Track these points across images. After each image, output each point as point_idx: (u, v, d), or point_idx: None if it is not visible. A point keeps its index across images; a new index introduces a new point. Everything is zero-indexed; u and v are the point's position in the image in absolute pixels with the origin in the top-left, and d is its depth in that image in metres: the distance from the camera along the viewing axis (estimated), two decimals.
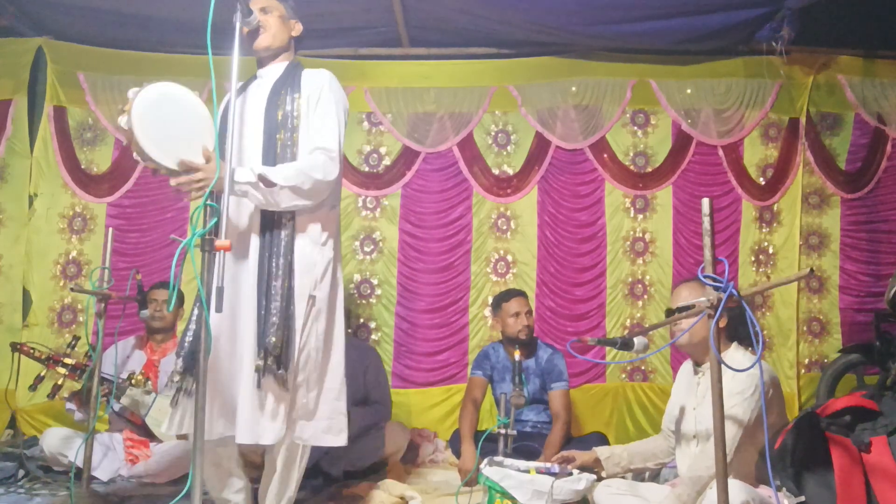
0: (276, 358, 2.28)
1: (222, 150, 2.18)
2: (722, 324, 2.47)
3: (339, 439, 2.44)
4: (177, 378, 2.32)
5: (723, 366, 1.91)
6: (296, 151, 2.39)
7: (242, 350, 2.33)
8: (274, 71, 2.52)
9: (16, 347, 3.25)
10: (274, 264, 2.34)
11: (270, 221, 2.38)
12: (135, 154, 2.16)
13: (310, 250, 2.41)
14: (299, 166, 2.34)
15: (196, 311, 2.32)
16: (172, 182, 2.17)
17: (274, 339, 2.28)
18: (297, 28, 2.61)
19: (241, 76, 2.21)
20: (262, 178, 2.25)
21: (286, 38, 2.55)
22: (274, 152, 2.39)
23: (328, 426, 2.41)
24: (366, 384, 3.77)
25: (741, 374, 2.34)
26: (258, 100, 2.46)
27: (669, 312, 2.56)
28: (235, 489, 2.48)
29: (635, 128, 4.61)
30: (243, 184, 2.22)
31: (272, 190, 2.26)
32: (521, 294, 3.82)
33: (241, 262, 2.37)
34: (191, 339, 2.32)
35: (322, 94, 2.44)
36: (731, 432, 2.31)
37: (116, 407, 3.40)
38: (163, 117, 2.14)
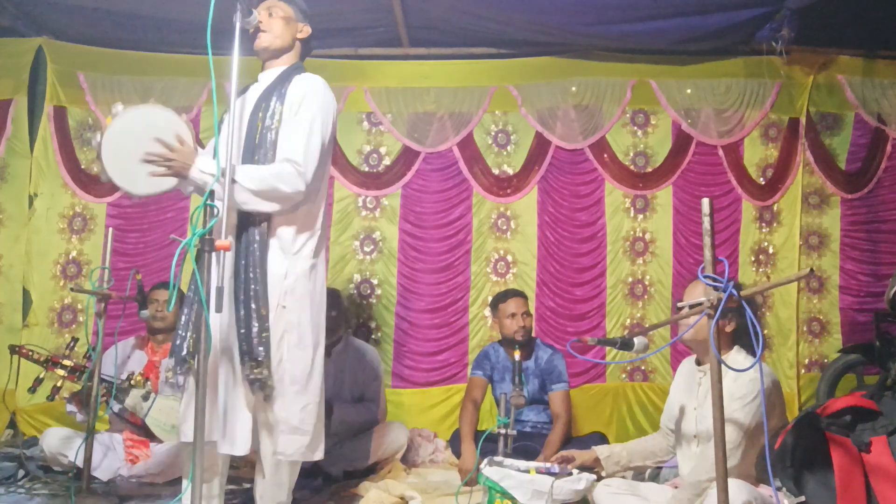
0: (266, 368, 2.27)
1: (221, 155, 2.19)
2: (729, 329, 2.48)
3: (318, 454, 2.43)
4: (176, 380, 2.30)
5: (723, 367, 1.92)
6: (274, 158, 2.36)
7: (224, 355, 2.32)
8: (270, 76, 2.50)
9: (14, 350, 3.24)
10: (250, 272, 2.30)
11: (246, 225, 2.33)
12: (99, 173, 2.18)
13: (279, 260, 2.37)
14: (264, 173, 2.30)
15: (185, 314, 2.31)
16: (143, 156, 2.19)
17: (261, 348, 2.26)
18: (305, 31, 2.57)
19: (242, 76, 2.21)
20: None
21: (289, 40, 2.52)
22: (252, 158, 2.36)
23: (309, 441, 2.38)
24: (364, 383, 3.77)
25: (743, 378, 2.35)
26: (250, 107, 2.45)
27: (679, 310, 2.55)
28: (215, 493, 2.45)
29: (635, 128, 4.61)
30: (207, 174, 2.20)
31: (233, 187, 2.22)
32: (518, 295, 3.81)
33: (219, 267, 2.34)
34: (180, 342, 2.30)
35: (303, 103, 2.39)
36: (733, 437, 2.30)
37: (116, 408, 3.40)
38: (134, 142, 2.17)
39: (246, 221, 2.34)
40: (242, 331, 2.28)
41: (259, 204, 2.29)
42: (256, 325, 2.27)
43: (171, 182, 2.26)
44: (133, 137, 2.18)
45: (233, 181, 2.22)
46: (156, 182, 2.22)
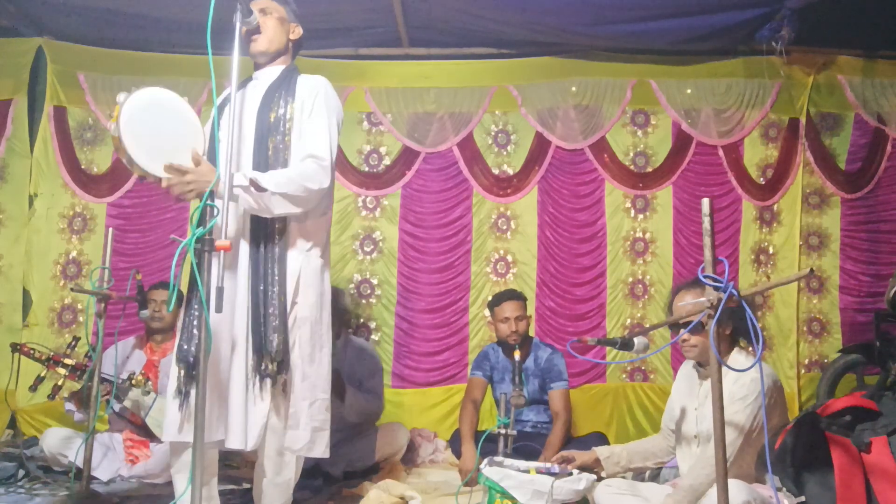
0: (279, 363, 2.28)
1: (219, 150, 2.19)
2: (727, 331, 2.47)
3: (325, 452, 2.43)
4: (181, 383, 2.29)
5: (724, 368, 1.92)
6: (287, 156, 2.38)
7: (237, 353, 2.33)
8: (270, 74, 2.51)
9: (16, 348, 3.24)
10: (269, 270, 2.33)
11: (261, 226, 2.36)
12: (124, 161, 2.16)
13: (294, 256, 2.40)
14: (291, 174, 2.31)
15: (195, 313, 2.31)
16: (164, 184, 2.17)
17: (276, 345, 2.28)
18: (297, 31, 2.59)
19: (242, 76, 2.22)
20: (253, 183, 2.23)
21: (283, 41, 2.53)
22: (265, 156, 2.37)
23: (315, 438, 2.39)
24: (361, 378, 3.77)
25: (743, 379, 2.35)
26: (253, 102, 2.44)
27: (673, 324, 2.55)
28: (213, 494, 2.44)
29: (635, 128, 4.61)
30: (235, 187, 2.21)
31: (263, 195, 2.25)
32: (514, 298, 3.76)
33: (231, 267, 2.34)
34: (187, 341, 2.30)
35: (316, 101, 2.42)
36: (732, 437, 2.30)
37: (117, 407, 3.40)
38: (151, 124, 2.15)
39: (260, 222, 2.36)
40: (259, 326, 2.30)
41: (289, 207, 2.30)
42: (274, 320, 2.29)
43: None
44: (149, 119, 2.15)
45: (262, 189, 2.23)
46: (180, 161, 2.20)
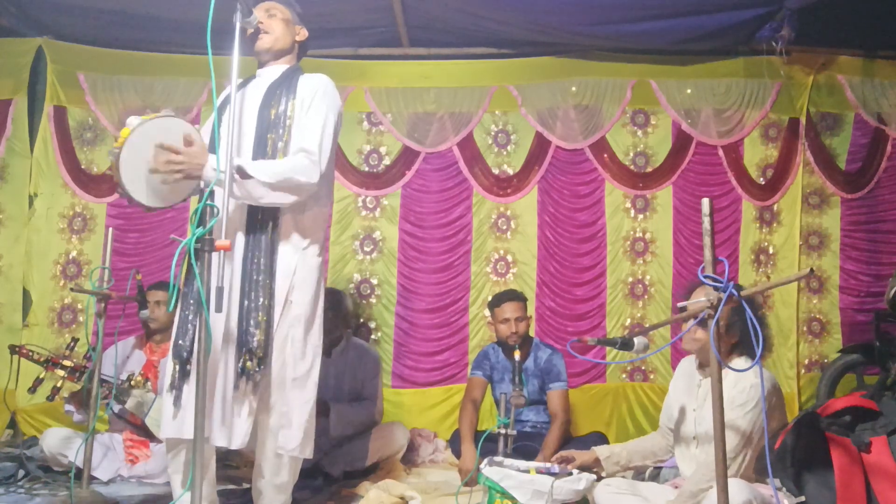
0: (259, 360, 2.28)
1: (221, 146, 2.19)
2: (733, 340, 2.46)
3: (311, 452, 2.43)
4: (175, 379, 2.29)
5: (724, 370, 1.91)
6: (286, 153, 2.37)
7: (230, 350, 2.32)
8: (273, 72, 2.51)
9: (14, 350, 3.24)
10: (257, 266, 2.32)
11: (255, 221, 2.36)
12: (115, 179, 2.15)
13: (290, 254, 2.40)
14: (279, 166, 2.31)
15: (191, 307, 2.30)
16: (153, 164, 2.15)
17: (257, 341, 2.27)
18: (303, 34, 2.60)
19: (242, 76, 2.22)
20: (238, 170, 2.21)
21: (289, 42, 2.54)
22: (265, 152, 2.37)
23: (304, 438, 2.39)
24: (362, 381, 3.77)
25: (743, 384, 2.34)
26: (255, 99, 2.45)
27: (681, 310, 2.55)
28: (208, 493, 2.44)
29: (635, 128, 4.61)
30: (221, 173, 2.19)
31: (247, 182, 2.23)
32: (514, 298, 3.74)
33: (228, 264, 2.32)
34: (182, 336, 2.29)
35: (315, 97, 2.42)
36: (732, 443, 2.30)
37: (116, 408, 3.40)
38: (147, 155, 2.15)
39: (255, 219, 2.36)
40: (242, 322, 2.29)
41: (275, 197, 2.29)
42: (256, 315, 2.28)
43: (186, 191, 2.27)
44: (146, 150, 2.16)
45: (249, 177, 2.23)
46: (173, 194, 2.23)
